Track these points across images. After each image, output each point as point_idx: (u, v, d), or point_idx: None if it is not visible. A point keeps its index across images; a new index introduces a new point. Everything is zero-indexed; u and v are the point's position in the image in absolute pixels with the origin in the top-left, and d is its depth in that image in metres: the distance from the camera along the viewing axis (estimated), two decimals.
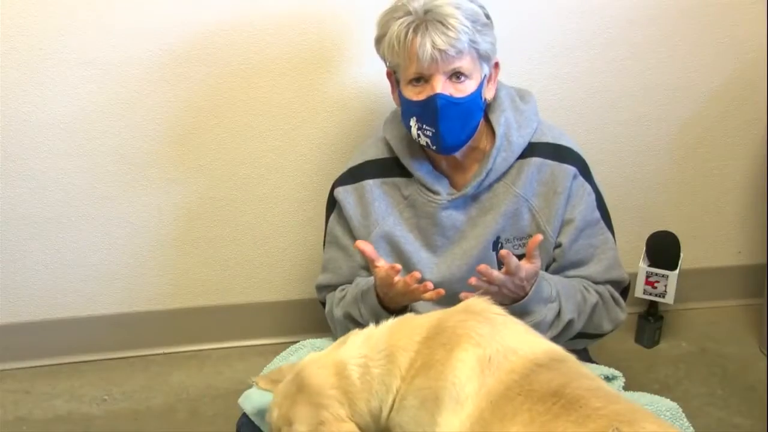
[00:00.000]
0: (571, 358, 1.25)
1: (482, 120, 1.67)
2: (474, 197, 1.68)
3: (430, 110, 1.57)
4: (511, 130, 1.65)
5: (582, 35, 2.15)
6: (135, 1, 1.97)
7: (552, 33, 2.13)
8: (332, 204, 1.78)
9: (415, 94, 1.59)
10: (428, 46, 1.52)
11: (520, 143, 1.66)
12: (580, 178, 1.68)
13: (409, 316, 1.36)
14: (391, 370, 1.26)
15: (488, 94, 1.65)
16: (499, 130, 1.65)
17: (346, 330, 1.71)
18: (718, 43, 2.21)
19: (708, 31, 2.19)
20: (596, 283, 1.70)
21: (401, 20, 1.55)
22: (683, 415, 1.56)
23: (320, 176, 2.18)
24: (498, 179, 1.67)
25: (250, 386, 1.64)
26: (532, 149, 1.67)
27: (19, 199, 2.13)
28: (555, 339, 1.50)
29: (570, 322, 1.62)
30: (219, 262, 2.29)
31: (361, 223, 1.72)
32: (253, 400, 1.58)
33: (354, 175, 1.74)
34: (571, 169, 1.66)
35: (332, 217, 1.78)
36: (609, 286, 1.71)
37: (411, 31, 1.54)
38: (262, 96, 2.10)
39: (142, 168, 2.14)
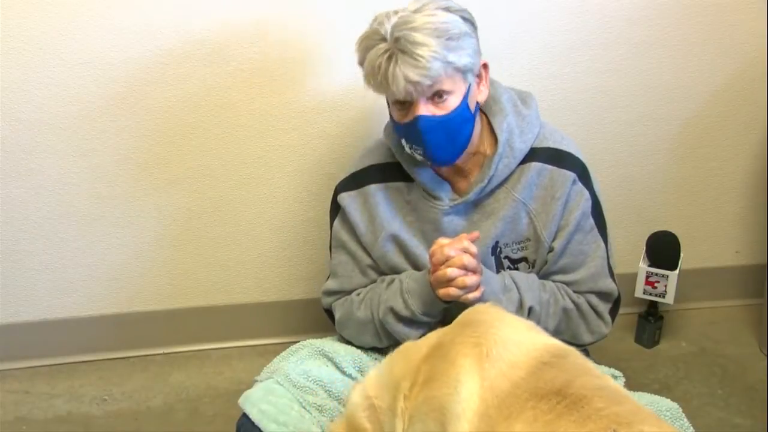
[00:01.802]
0: (574, 352, 1.25)
1: (484, 123, 1.67)
2: (475, 203, 1.67)
3: (416, 132, 1.56)
4: (514, 136, 1.64)
5: (582, 35, 2.15)
6: (135, 1, 1.97)
7: (552, 33, 2.13)
8: (336, 208, 1.77)
9: (400, 116, 1.58)
10: (401, 78, 1.50)
11: (522, 149, 1.65)
12: (579, 184, 1.66)
13: (407, 344, 1.37)
14: (395, 396, 1.26)
15: (480, 97, 1.63)
16: (502, 137, 1.63)
17: (362, 330, 1.71)
18: (718, 43, 2.21)
19: (708, 31, 2.19)
20: (581, 291, 1.69)
21: (375, 49, 1.53)
22: (683, 415, 1.56)
23: (320, 176, 2.18)
24: (499, 185, 1.66)
25: (250, 386, 1.64)
26: (533, 154, 1.66)
27: (19, 199, 2.13)
28: None
29: (531, 311, 1.62)
30: (219, 262, 2.29)
31: (367, 228, 1.71)
32: (253, 400, 1.58)
33: (357, 179, 1.74)
34: (570, 175, 1.65)
35: (336, 221, 1.77)
36: (593, 297, 1.69)
37: (384, 61, 1.51)
38: (262, 96, 2.10)
39: (142, 168, 2.14)
